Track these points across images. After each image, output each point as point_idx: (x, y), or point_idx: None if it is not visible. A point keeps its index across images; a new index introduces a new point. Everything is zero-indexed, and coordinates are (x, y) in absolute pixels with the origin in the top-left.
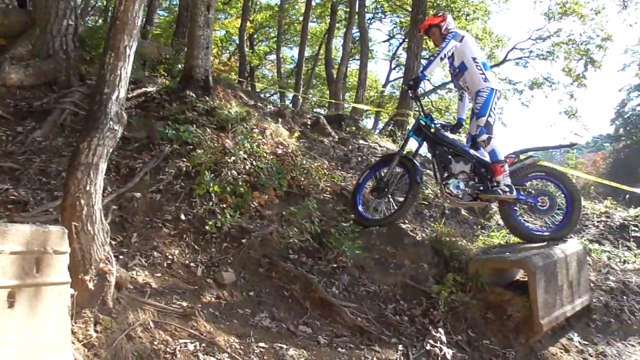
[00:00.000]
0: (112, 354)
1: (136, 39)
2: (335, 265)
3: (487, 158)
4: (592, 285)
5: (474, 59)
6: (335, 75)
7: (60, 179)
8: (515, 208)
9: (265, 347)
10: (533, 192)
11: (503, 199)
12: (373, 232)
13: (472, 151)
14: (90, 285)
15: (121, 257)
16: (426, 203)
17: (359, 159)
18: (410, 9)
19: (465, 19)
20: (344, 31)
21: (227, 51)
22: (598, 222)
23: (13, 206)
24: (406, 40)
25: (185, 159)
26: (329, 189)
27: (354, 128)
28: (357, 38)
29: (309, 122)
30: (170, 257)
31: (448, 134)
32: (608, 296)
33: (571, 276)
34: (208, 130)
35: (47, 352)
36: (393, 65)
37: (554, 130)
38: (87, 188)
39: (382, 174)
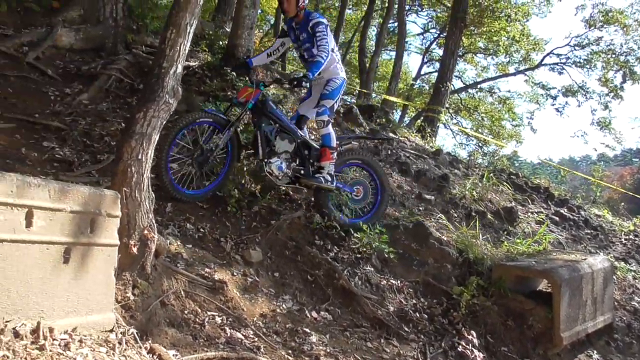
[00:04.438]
0: (147, 317)
1: (197, 17)
2: (359, 256)
3: (312, 141)
4: (615, 304)
5: (332, 50)
6: (368, 65)
7: (103, 142)
8: (330, 194)
9: (288, 329)
10: (349, 180)
11: (323, 187)
12: (399, 227)
13: (298, 131)
14: (134, 249)
15: (156, 225)
16: (453, 203)
17: (389, 152)
18: (448, 5)
19: (506, 21)
20: (379, 21)
21: (261, 30)
22: (626, 240)
23: (58, 165)
24: (441, 35)
25: None
26: None
27: (384, 120)
28: (392, 29)
29: (341, 110)
30: (202, 230)
31: (275, 108)
32: (631, 317)
33: (596, 292)
34: None
35: (92, 309)
36: (425, 60)
37: (584, 140)
38: (139, 157)
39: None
